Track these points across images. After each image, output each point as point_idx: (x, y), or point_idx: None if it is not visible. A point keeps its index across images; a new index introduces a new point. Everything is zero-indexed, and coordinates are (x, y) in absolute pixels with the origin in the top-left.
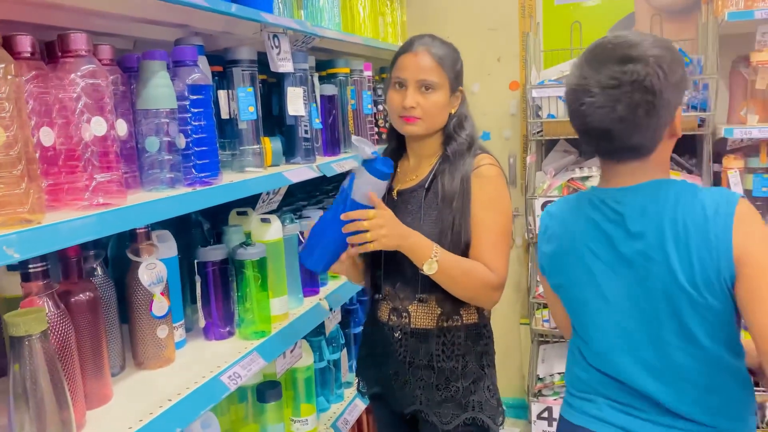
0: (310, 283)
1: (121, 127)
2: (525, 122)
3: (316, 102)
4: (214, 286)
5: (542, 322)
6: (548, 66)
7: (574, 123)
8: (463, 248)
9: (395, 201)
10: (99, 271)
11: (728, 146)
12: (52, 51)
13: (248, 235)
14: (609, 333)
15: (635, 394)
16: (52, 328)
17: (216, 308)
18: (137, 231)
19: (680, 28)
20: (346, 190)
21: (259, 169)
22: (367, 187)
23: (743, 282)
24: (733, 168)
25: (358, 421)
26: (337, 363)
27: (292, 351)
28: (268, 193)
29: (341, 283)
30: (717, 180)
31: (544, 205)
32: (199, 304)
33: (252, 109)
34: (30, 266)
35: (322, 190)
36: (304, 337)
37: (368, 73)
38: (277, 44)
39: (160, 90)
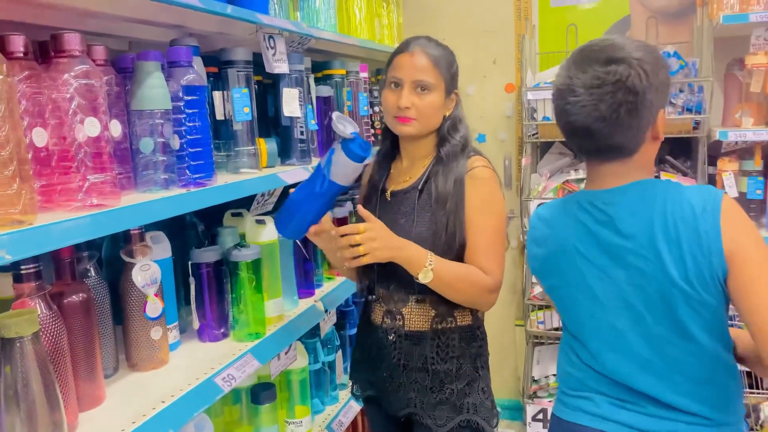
0: (306, 284)
1: (115, 128)
2: (520, 124)
3: (311, 103)
4: (208, 288)
5: (537, 323)
6: (544, 68)
7: (559, 122)
8: (457, 250)
9: (388, 202)
10: (92, 272)
11: (723, 149)
12: (45, 51)
13: (243, 236)
14: (602, 334)
15: (631, 391)
16: (45, 329)
17: (210, 310)
18: (131, 232)
19: (675, 30)
20: (323, 168)
21: (254, 171)
22: (343, 168)
23: (736, 276)
24: (727, 170)
25: (353, 423)
26: (332, 365)
27: (286, 353)
28: (263, 195)
29: (337, 284)
30: (712, 182)
31: None
32: (193, 305)
33: (247, 110)
34: (22, 267)
35: None
36: (299, 339)
37: (364, 75)
38: (272, 45)
39: (154, 91)
